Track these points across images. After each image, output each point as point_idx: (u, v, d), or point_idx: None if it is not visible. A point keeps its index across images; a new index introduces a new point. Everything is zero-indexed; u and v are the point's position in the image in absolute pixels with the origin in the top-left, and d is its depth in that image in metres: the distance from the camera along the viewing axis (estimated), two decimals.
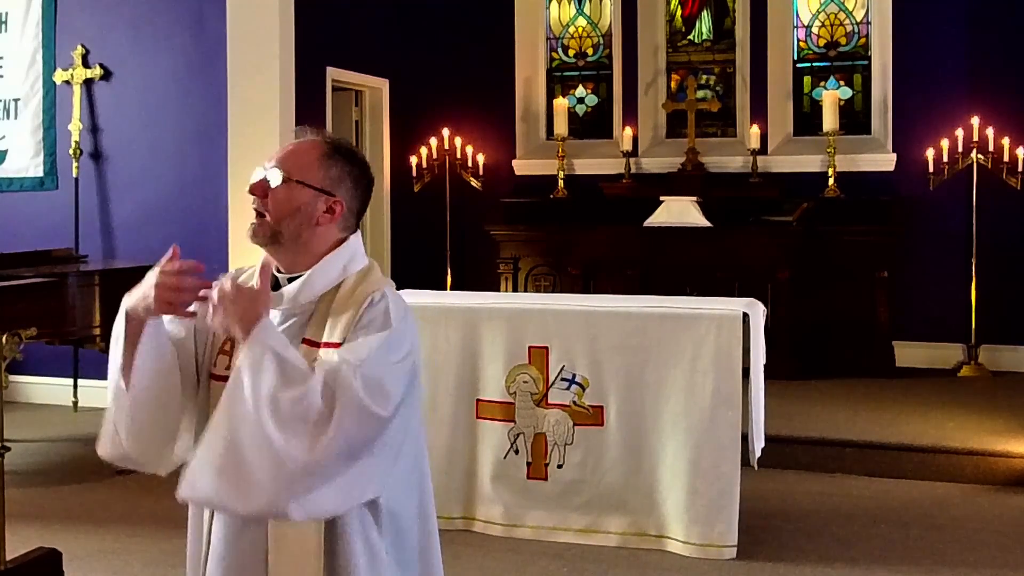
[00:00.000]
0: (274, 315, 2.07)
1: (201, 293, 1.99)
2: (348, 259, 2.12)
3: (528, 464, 4.65)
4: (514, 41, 9.04)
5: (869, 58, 8.39)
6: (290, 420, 1.85)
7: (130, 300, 2.02)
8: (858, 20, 8.48)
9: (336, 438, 1.86)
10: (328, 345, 2.01)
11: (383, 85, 8.78)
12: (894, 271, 7.70)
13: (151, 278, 1.99)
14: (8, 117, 7.78)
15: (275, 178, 2.05)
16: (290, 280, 2.09)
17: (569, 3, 9.19)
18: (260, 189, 2.06)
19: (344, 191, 2.12)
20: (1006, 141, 7.45)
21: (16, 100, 7.76)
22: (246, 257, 7.21)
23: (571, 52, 9.19)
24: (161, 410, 2.06)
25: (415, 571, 2.16)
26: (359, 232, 2.20)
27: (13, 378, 7.24)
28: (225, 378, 2.02)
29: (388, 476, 1.99)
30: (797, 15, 8.60)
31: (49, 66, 7.62)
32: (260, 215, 2.06)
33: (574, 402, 4.59)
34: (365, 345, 1.96)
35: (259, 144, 6.89)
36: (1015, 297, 7.74)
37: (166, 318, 2.08)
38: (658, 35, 8.89)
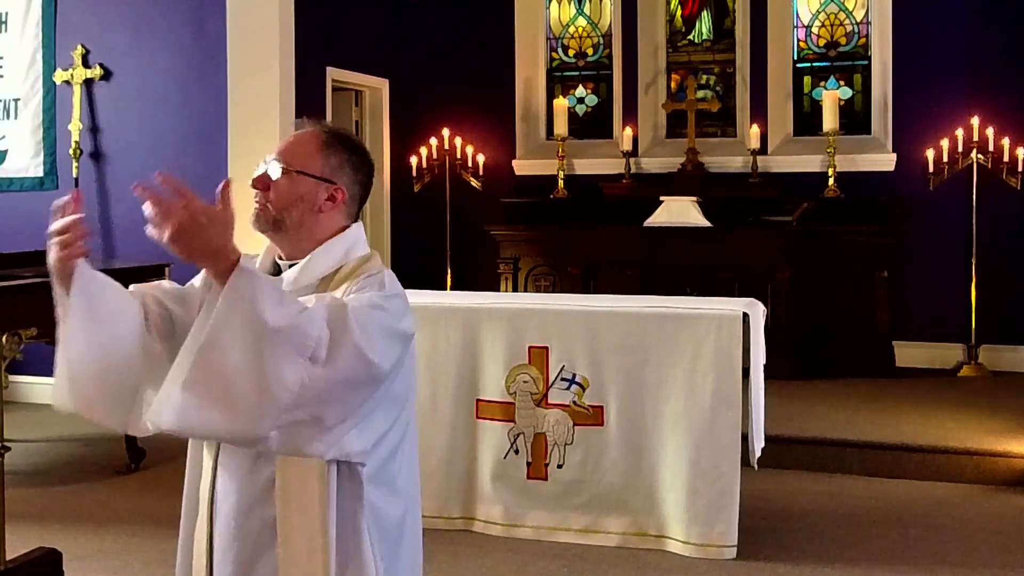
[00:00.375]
0: None
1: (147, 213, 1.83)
2: (350, 245, 2.14)
3: (528, 464, 4.65)
4: (514, 41, 9.04)
5: (869, 58, 8.39)
6: (285, 348, 1.79)
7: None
8: (858, 20, 8.48)
9: (328, 372, 1.83)
10: None
11: (383, 85, 8.78)
12: (894, 271, 7.70)
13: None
14: (8, 117, 7.78)
15: (275, 170, 2.08)
16: (291, 266, 2.11)
17: (569, 3, 9.19)
18: (262, 182, 2.09)
19: (345, 178, 2.14)
20: (1006, 141, 7.45)
21: (16, 100, 7.76)
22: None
23: (571, 52, 9.19)
24: (109, 372, 1.96)
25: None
26: (361, 223, 2.21)
27: (13, 378, 7.24)
28: None
29: (372, 441, 1.96)
30: (797, 15, 8.60)
31: (49, 66, 7.62)
32: (263, 203, 2.08)
33: (574, 402, 4.59)
34: (362, 299, 1.95)
35: (259, 143, 6.88)
36: (1015, 297, 7.74)
37: (172, 286, 2.11)
38: (658, 35, 8.89)
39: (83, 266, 1.93)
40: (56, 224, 1.90)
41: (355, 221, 2.19)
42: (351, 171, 2.15)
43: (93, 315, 1.94)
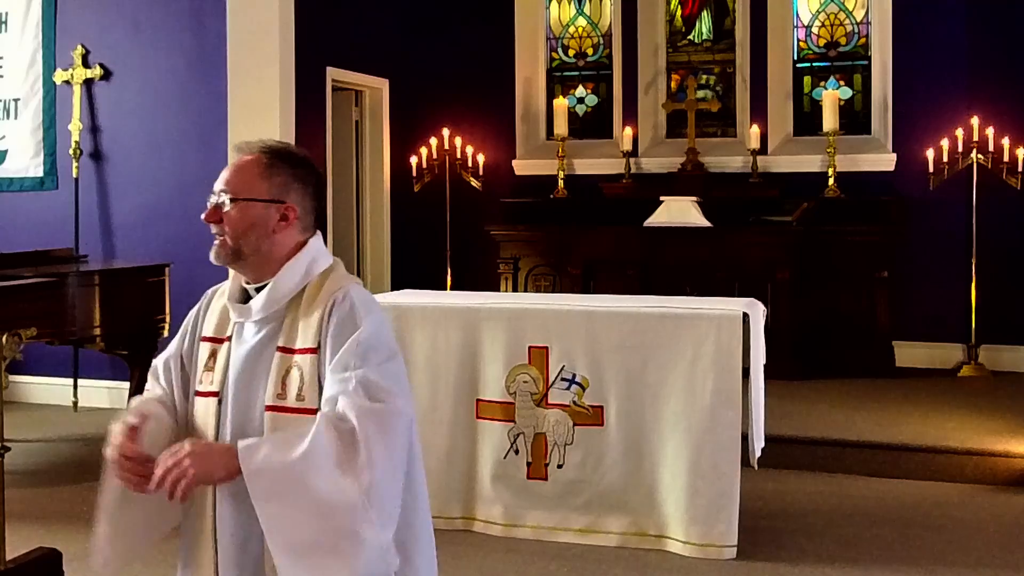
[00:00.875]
0: (248, 327, 2.15)
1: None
2: (310, 261, 2.17)
3: (528, 464, 4.65)
4: (514, 41, 9.04)
5: (869, 58, 8.39)
6: (326, 475, 1.91)
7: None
8: (858, 20, 8.48)
9: (373, 455, 1.94)
10: (305, 351, 2.06)
11: (383, 85, 8.78)
12: (894, 271, 7.69)
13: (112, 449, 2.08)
14: (8, 117, 7.78)
15: (224, 202, 2.13)
16: (258, 291, 2.15)
17: (569, 3, 9.19)
18: (214, 215, 2.14)
19: (293, 195, 2.17)
20: (1006, 141, 7.45)
21: (16, 100, 7.76)
22: None
23: (571, 52, 9.19)
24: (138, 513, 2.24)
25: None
26: (319, 234, 2.24)
27: (13, 378, 7.25)
28: (209, 394, 2.14)
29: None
30: (797, 15, 8.60)
31: (49, 66, 7.62)
32: (218, 235, 2.14)
33: (574, 402, 4.59)
34: (348, 364, 2.01)
35: None
36: (1015, 297, 7.74)
37: (163, 379, 2.28)
38: (658, 35, 8.89)
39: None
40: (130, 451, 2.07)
41: (313, 234, 2.22)
42: (298, 186, 2.18)
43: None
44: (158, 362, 2.30)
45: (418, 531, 2.16)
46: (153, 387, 2.28)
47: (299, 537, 1.93)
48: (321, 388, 2.05)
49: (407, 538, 2.11)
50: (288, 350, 2.08)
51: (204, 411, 2.15)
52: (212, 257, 2.15)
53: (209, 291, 2.30)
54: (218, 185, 2.15)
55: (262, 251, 2.13)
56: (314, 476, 1.91)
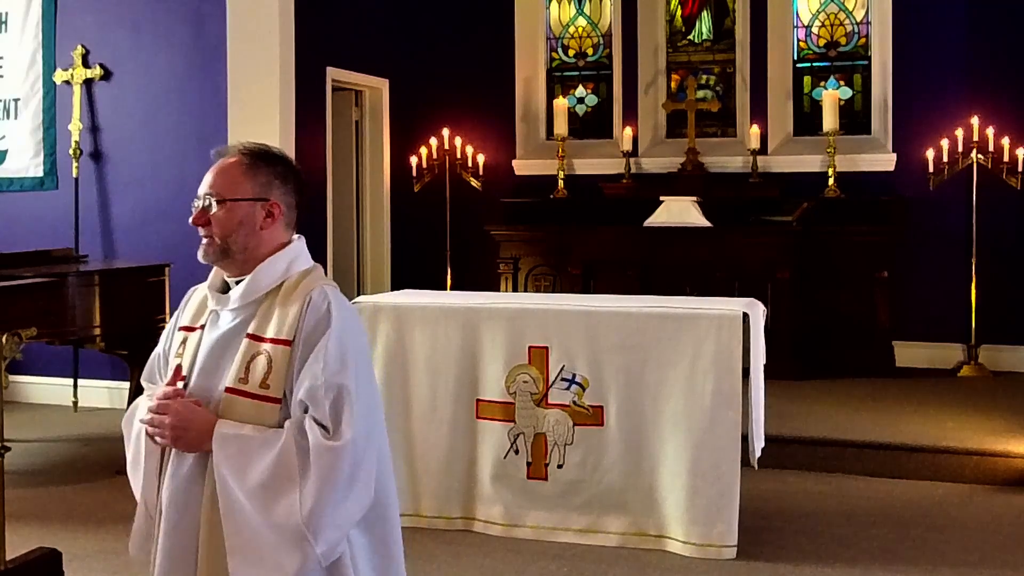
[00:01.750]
0: (225, 315, 2.24)
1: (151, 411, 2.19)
2: (292, 259, 2.26)
3: (528, 464, 4.65)
4: (514, 41, 9.04)
5: (869, 58, 8.39)
6: (275, 491, 2.06)
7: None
8: (858, 20, 8.48)
9: (320, 487, 2.05)
10: (276, 341, 2.14)
11: (383, 85, 8.78)
12: (894, 271, 7.69)
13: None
14: (8, 117, 7.78)
15: (211, 205, 2.20)
16: (239, 283, 2.24)
17: (569, 3, 9.19)
18: (202, 218, 2.21)
19: (276, 192, 2.25)
20: (1006, 141, 7.45)
21: (16, 100, 7.76)
22: None
23: (571, 52, 9.19)
24: None
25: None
26: (303, 238, 2.32)
27: (13, 378, 7.25)
28: (174, 379, 2.24)
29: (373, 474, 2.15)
30: (797, 15, 8.60)
31: (49, 66, 7.62)
32: (206, 236, 2.22)
33: (574, 402, 4.59)
34: (315, 371, 2.10)
35: None
36: (1015, 297, 7.74)
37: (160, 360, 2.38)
38: (658, 35, 8.89)
39: None
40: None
41: (297, 234, 2.31)
42: (280, 183, 2.26)
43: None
44: (150, 364, 2.41)
45: (389, 521, 2.27)
46: (149, 389, 2.39)
47: (246, 530, 2.07)
48: (288, 381, 2.13)
49: (382, 527, 2.24)
50: (257, 338, 2.16)
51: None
52: (200, 256, 2.24)
53: (191, 289, 2.40)
54: (202, 189, 2.22)
55: (249, 248, 2.22)
56: (266, 495, 2.06)
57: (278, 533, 2.05)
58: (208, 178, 2.23)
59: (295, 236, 2.29)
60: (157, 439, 2.18)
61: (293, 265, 2.25)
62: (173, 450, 2.20)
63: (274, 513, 2.05)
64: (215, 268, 2.29)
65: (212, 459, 2.10)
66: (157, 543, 2.23)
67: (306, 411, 2.10)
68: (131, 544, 2.37)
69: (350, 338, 2.16)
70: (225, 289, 2.27)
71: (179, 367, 2.22)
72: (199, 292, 2.35)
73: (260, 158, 2.25)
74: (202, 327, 2.27)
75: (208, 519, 2.13)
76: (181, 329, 2.32)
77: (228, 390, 2.15)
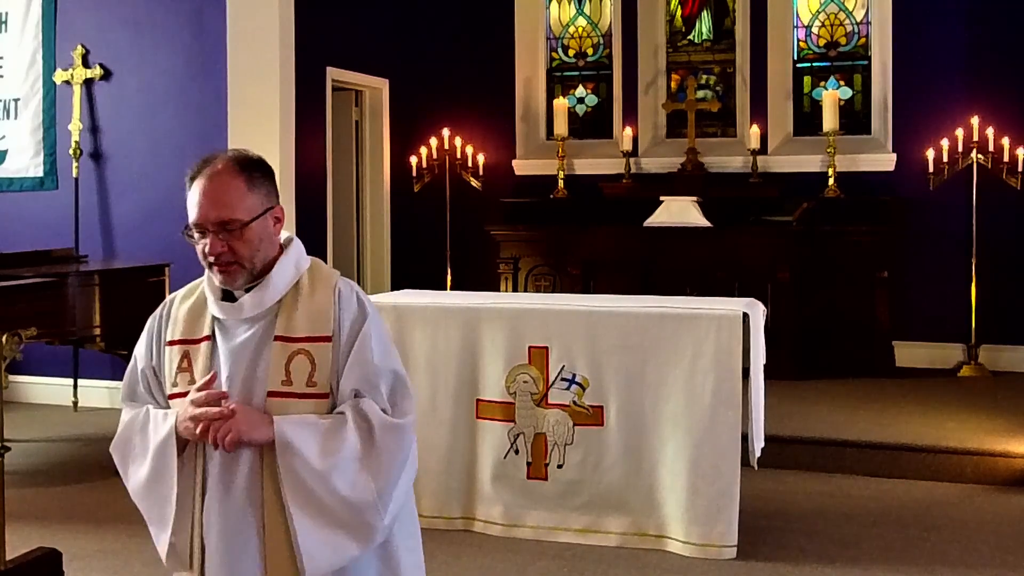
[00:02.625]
0: (236, 325, 2.20)
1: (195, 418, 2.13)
2: (297, 258, 2.26)
3: (528, 464, 4.65)
4: (514, 41, 9.04)
5: (869, 58, 8.39)
6: (347, 471, 2.10)
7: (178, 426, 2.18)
8: (858, 20, 8.48)
9: (389, 462, 2.13)
10: (314, 339, 2.15)
11: (383, 85, 8.78)
12: (894, 271, 7.69)
13: (189, 408, 2.15)
14: (8, 117, 7.78)
15: (236, 231, 2.14)
16: (247, 290, 2.19)
17: (569, 3, 9.18)
18: (221, 246, 2.14)
19: (274, 196, 2.24)
20: (1006, 141, 7.45)
21: (16, 100, 7.76)
22: None
23: (571, 52, 9.19)
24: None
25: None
26: (292, 234, 2.31)
27: (13, 378, 7.25)
28: (185, 394, 2.17)
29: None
30: (797, 15, 8.60)
31: (49, 66, 7.62)
32: (229, 263, 2.15)
33: (574, 402, 4.59)
34: (371, 356, 2.15)
35: (259, 144, 6.83)
36: (1015, 297, 7.74)
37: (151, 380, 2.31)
38: (658, 35, 8.89)
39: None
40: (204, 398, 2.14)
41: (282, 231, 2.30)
42: (273, 186, 2.25)
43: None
44: (131, 383, 2.34)
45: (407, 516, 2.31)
46: (132, 408, 2.31)
47: (318, 509, 2.09)
48: (333, 374, 2.15)
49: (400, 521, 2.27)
50: (290, 339, 2.15)
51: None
52: (226, 283, 2.18)
53: (167, 299, 2.35)
54: (213, 216, 2.13)
55: (269, 257, 2.20)
56: (338, 474, 2.09)
57: (351, 510, 2.10)
58: (211, 204, 2.13)
59: (284, 232, 2.29)
60: (209, 441, 2.11)
61: (300, 262, 2.25)
62: (217, 463, 2.15)
63: (345, 490, 2.09)
64: (207, 277, 2.24)
65: (278, 449, 2.08)
66: (202, 559, 2.18)
67: (357, 396, 2.15)
68: (170, 563, 2.26)
69: (383, 325, 2.26)
70: (227, 297, 2.21)
71: (214, 375, 2.15)
72: (183, 303, 2.28)
73: (253, 168, 2.20)
74: (208, 338, 2.21)
75: (273, 517, 2.11)
76: (173, 344, 2.24)
77: (271, 394, 2.13)
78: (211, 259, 2.15)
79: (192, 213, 2.16)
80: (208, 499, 2.16)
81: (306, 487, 2.08)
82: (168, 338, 2.26)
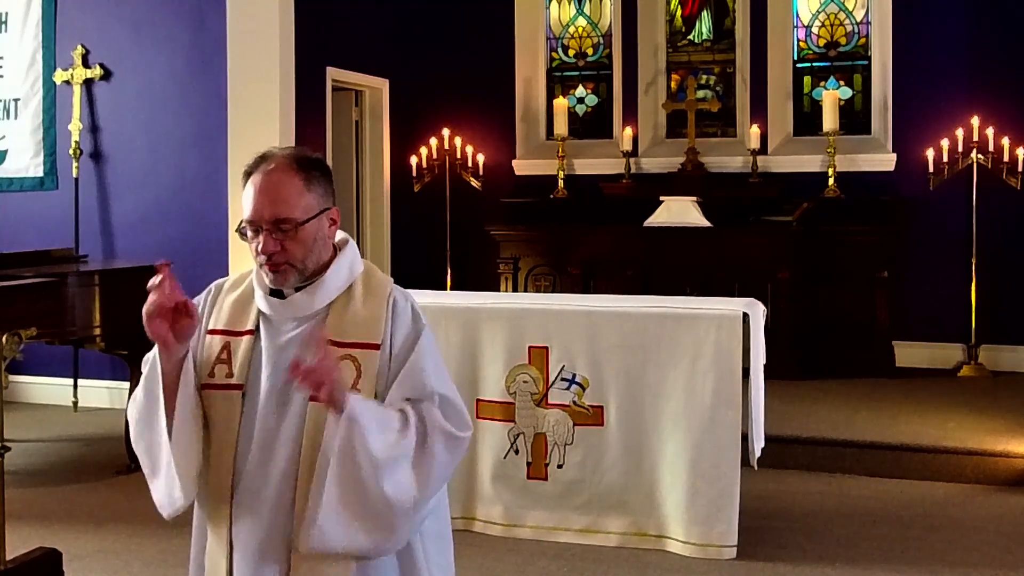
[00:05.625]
0: (284, 323, 2.14)
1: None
2: (351, 261, 2.19)
3: (528, 464, 4.65)
4: (514, 41, 9.04)
5: (869, 58, 8.39)
6: (397, 469, 2.03)
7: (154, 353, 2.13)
8: (858, 20, 8.48)
9: (436, 473, 2.08)
10: (363, 346, 2.10)
11: (383, 85, 8.78)
12: (894, 271, 7.69)
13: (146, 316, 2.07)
14: (8, 117, 7.78)
15: (290, 230, 2.08)
16: (297, 288, 2.14)
17: (569, 3, 9.19)
18: (275, 245, 2.08)
19: (331, 198, 2.18)
20: (1006, 141, 7.45)
21: (16, 100, 7.76)
22: (246, 256, 7.17)
23: (571, 52, 9.19)
24: (195, 453, 2.13)
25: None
26: (347, 235, 2.26)
27: (13, 378, 7.24)
28: (225, 386, 2.12)
29: None
30: (797, 15, 8.60)
31: (49, 66, 7.62)
32: (281, 263, 2.09)
33: (574, 402, 4.59)
34: (425, 368, 2.10)
35: (259, 144, 6.78)
36: (1015, 297, 7.74)
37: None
38: (658, 35, 8.89)
39: (189, 363, 2.12)
40: (161, 298, 2.06)
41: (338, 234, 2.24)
42: (330, 186, 2.20)
43: (194, 420, 2.11)
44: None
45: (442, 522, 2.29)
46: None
47: (354, 492, 2.00)
48: (380, 382, 2.10)
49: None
50: (337, 343, 2.07)
51: (225, 402, 2.12)
52: (276, 283, 2.11)
53: (214, 285, 2.28)
54: (268, 214, 2.07)
55: (322, 260, 2.14)
56: (390, 471, 2.01)
57: (385, 508, 2.01)
58: (267, 201, 2.08)
59: (339, 232, 2.22)
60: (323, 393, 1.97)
61: (353, 268, 2.19)
62: (260, 424, 2.08)
63: (389, 488, 2.00)
64: (256, 270, 2.17)
65: (345, 422, 1.97)
66: (232, 512, 2.10)
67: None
68: (165, 505, 2.15)
69: (435, 342, 2.19)
70: (276, 293, 2.15)
71: (163, 264, 2.11)
72: (230, 293, 2.23)
73: (311, 167, 2.14)
74: (251, 332, 2.15)
75: (306, 476, 2.04)
76: (215, 333, 2.18)
77: (313, 398, 2.02)
78: (263, 258, 2.09)
79: (247, 210, 2.10)
80: (237, 504, 2.10)
81: (355, 468, 1.98)
82: (210, 326, 2.20)
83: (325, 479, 1.98)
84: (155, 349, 2.10)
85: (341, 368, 2.01)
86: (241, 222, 2.12)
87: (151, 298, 2.05)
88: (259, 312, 2.16)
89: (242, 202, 2.13)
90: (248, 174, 2.13)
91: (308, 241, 2.09)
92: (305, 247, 2.09)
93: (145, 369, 2.15)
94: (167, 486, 2.11)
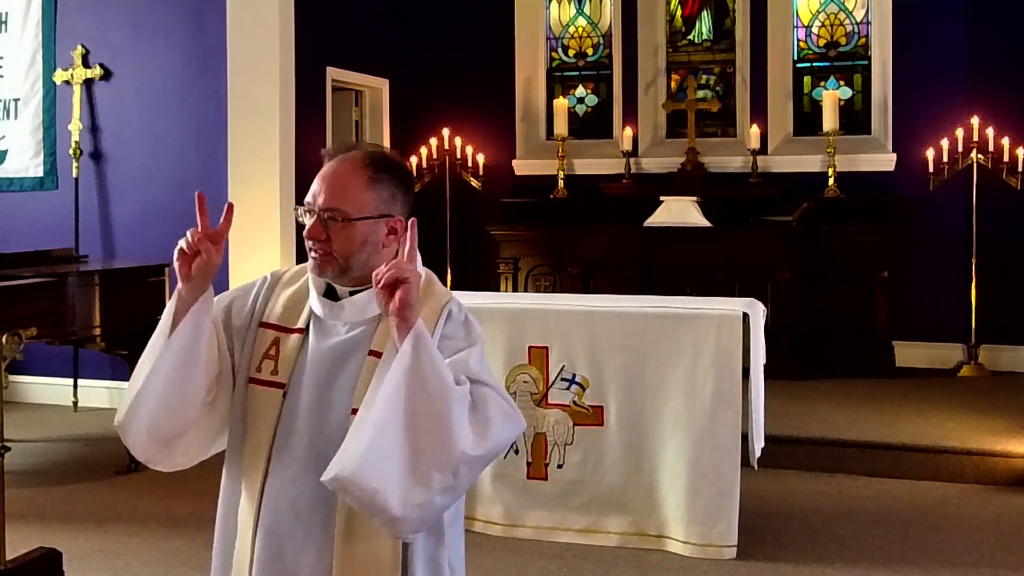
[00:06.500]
0: (334, 326, 2.06)
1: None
2: None
3: (528, 464, 4.65)
4: (514, 41, 9.04)
5: (869, 58, 8.39)
6: (459, 406, 1.86)
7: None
8: (858, 20, 8.48)
9: (491, 436, 1.91)
10: None
11: (383, 85, 8.78)
12: (894, 271, 7.69)
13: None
14: (8, 117, 7.78)
15: (335, 220, 2.01)
16: (352, 292, 2.06)
17: (569, 3, 9.18)
18: (320, 232, 2.01)
19: (398, 207, 2.08)
20: (1006, 141, 7.45)
21: (16, 100, 7.76)
22: (246, 256, 7.19)
23: (571, 52, 9.19)
24: (180, 399, 2.02)
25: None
26: None
27: (13, 378, 7.25)
28: (269, 383, 2.05)
29: None
30: (797, 15, 8.60)
31: (49, 66, 7.62)
32: (325, 252, 2.01)
33: (574, 402, 4.59)
34: (473, 362, 1.98)
35: (259, 144, 6.89)
36: (1015, 297, 7.74)
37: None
38: (658, 35, 8.89)
39: (209, 296, 2.03)
40: (203, 230, 2.02)
41: None
42: (402, 195, 2.10)
43: (190, 356, 2.00)
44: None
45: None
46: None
47: (411, 426, 1.84)
48: None
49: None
50: (380, 354, 1.98)
51: (265, 400, 2.05)
52: (316, 271, 2.04)
53: (270, 274, 2.20)
54: (319, 200, 2.01)
55: (369, 264, 2.01)
56: (454, 405, 1.85)
57: (446, 438, 1.84)
58: (324, 187, 2.01)
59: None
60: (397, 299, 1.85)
61: None
62: (304, 413, 1.99)
63: (455, 425, 1.84)
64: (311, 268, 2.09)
65: (414, 339, 1.83)
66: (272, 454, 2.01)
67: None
68: (126, 418, 2.03)
69: (485, 361, 2.06)
70: (330, 295, 2.07)
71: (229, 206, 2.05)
72: (287, 287, 2.14)
73: (384, 168, 2.05)
74: (300, 331, 2.07)
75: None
76: (267, 326, 2.09)
77: (355, 411, 1.93)
78: (309, 243, 2.02)
79: (310, 192, 2.05)
80: (266, 508, 2.00)
81: (422, 384, 1.83)
82: (264, 318, 2.11)
83: (380, 408, 1.83)
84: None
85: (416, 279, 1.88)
86: (302, 200, 2.07)
87: (191, 235, 2.02)
88: (311, 312, 2.09)
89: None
90: (325, 158, 2.09)
91: (356, 240, 2.01)
92: (351, 245, 2.00)
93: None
94: (127, 397, 2.04)
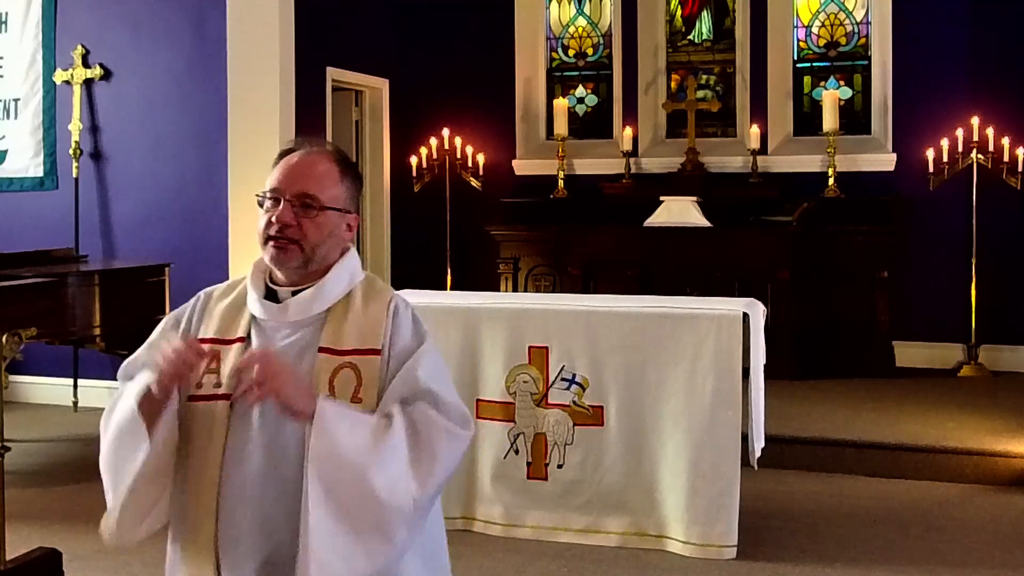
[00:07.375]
0: (277, 329, 2.04)
1: (241, 366, 1.94)
2: (353, 269, 2.12)
3: (528, 464, 4.65)
4: (514, 41, 9.04)
5: (869, 58, 8.39)
6: (390, 470, 1.91)
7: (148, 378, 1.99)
8: (858, 20, 8.48)
9: (438, 469, 1.97)
10: (362, 352, 2.00)
11: (383, 85, 8.78)
12: (894, 271, 7.69)
13: (164, 353, 1.96)
14: (8, 117, 7.78)
15: (311, 208, 2.02)
16: (293, 293, 2.06)
17: (569, 3, 9.19)
18: (292, 218, 2.01)
19: (355, 205, 2.13)
20: (1006, 141, 7.45)
21: (16, 100, 7.76)
22: (246, 257, 7.20)
23: (571, 52, 9.19)
24: (163, 487, 2.04)
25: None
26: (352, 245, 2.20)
27: (13, 378, 7.25)
28: (213, 397, 2.01)
29: None
30: (797, 15, 8.60)
31: (49, 66, 7.62)
32: (291, 240, 2.01)
33: (574, 402, 4.59)
34: (421, 370, 2.00)
35: (259, 144, 6.88)
36: (1015, 297, 7.74)
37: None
38: (658, 35, 8.89)
39: (174, 403, 2.01)
40: (182, 354, 1.94)
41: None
42: (358, 196, 2.15)
43: (169, 454, 2.02)
44: (134, 362, 2.18)
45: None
46: (123, 388, 2.13)
47: (341, 508, 1.89)
48: (380, 390, 2.00)
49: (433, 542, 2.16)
50: (336, 351, 2.00)
51: (210, 414, 2.01)
52: (276, 261, 2.03)
53: (202, 293, 2.18)
54: (293, 187, 2.02)
55: (327, 260, 2.06)
56: (378, 469, 1.89)
57: (381, 514, 1.89)
58: (299, 175, 2.03)
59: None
60: (245, 397, 1.90)
61: (354, 275, 2.10)
62: (256, 425, 1.97)
63: (383, 491, 1.88)
64: (251, 273, 2.10)
65: (314, 429, 1.87)
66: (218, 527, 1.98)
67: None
68: (113, 533, 2.04)
69: (440, 357, 2.11)
70: (271, 298, 2.06)
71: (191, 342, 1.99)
72: (221, 300, 2.12)
73: (349, 167, 2.10)
74: (241, 339, 2.05)
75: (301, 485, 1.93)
76: (204, 342, 2.05)
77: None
78: (274, 229, 2.00)
79: (273, 180, 2.04)
80: (224, 524, 1.97)
81: (336, 481, 1.87)
82: (202, 334, 2.09)
83: (311, 502, 1.87)
84: (145, 374, 2.02)
85: (289, 373, 1.90)
86: (263, 191, 2.06)
87: (177, 358, 1.94)
88: (251, 318, 2.06)
89: (268, 178, 2.07)
90: (283, 153, 2.09)
91: (324, 229, 2.02)
92: (320, 233, 2.02)
93: (131, 386, 2.04)
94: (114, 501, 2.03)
